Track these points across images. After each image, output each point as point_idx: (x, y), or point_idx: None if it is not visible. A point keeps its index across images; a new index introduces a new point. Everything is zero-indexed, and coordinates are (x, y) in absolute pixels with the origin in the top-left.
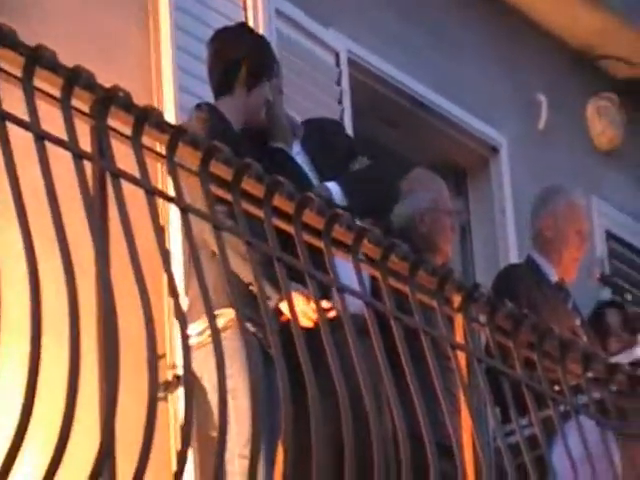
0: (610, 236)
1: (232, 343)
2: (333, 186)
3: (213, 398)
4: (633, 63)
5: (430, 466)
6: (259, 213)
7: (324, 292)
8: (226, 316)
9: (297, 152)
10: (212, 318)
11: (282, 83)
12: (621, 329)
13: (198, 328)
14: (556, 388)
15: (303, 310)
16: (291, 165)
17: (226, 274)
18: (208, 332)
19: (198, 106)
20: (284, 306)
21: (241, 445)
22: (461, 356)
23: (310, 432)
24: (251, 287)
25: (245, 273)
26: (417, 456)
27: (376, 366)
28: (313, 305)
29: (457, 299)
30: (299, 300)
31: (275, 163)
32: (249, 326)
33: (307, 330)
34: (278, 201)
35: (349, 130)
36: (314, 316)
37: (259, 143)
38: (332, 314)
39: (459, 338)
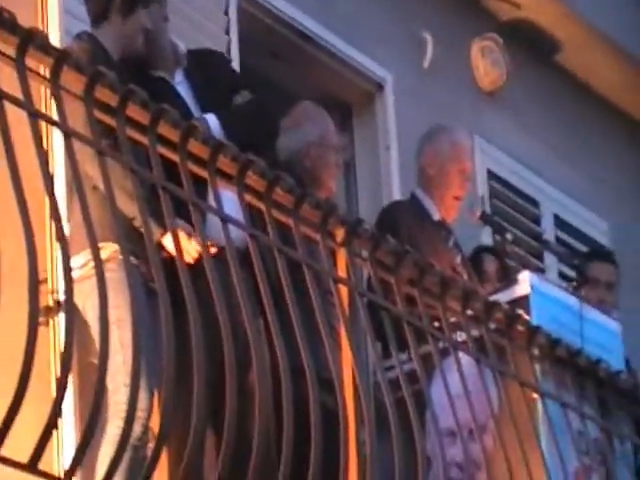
0: (492, 176)
1: (115, 274)
2: (212, 119)
3: (95, 327)
4: (517, 5)
5: (310, 398)
6: (144, 140)
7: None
8: (109, 248)
9: (179, 81)
10: (96, 249)
11: (167, 10)
12: (496, 277)
13: (81, 260)
14: (436, 324)
15: (185, 247)
16: (172, 94)
17: (110, 206)
18: (91, 264)
19: (78, 36)
20: (167, 240)
21: (127, 374)
22: (343, 290)
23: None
24: (134, 221)
25: (128, 208)
26: (298, 388)
27: (259, 299)
28: (194, 243)
29: (340, 233)
30: (181, 237)
31: (156, 92)
32: (132, 259)
33: (190, 264)
34: (163, 129)
35: (235, 61)
36: (195, 254)
37: (139, 72)
38: (213, 250)
39: (341, 272)
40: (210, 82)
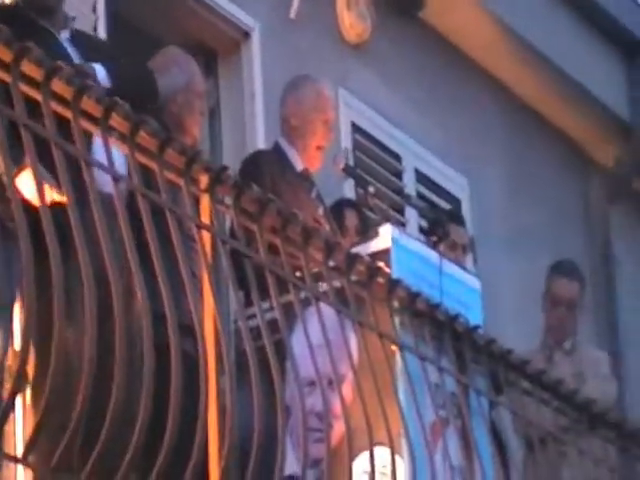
0: (355, 128)
1: None
2: (99, 68)
3: None
4: None
5: (171, 346)
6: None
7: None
8: None
9: (66, 39)
10: None
11: None
12: (356, 232)
13: None
14: (298, 274)
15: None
16: (57, 46)
17: None
18: None
19: None
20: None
21: None
22: (206, 237)
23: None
24: None
25: None
26: (159, 335)
27: (122, 245)
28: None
29: (204, 180)
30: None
31: (42, 42)
32: None
33: (54, 207)
34: (27, 67)
35: (100, 5)
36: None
37: (30, 21)
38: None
39: (205, 219)
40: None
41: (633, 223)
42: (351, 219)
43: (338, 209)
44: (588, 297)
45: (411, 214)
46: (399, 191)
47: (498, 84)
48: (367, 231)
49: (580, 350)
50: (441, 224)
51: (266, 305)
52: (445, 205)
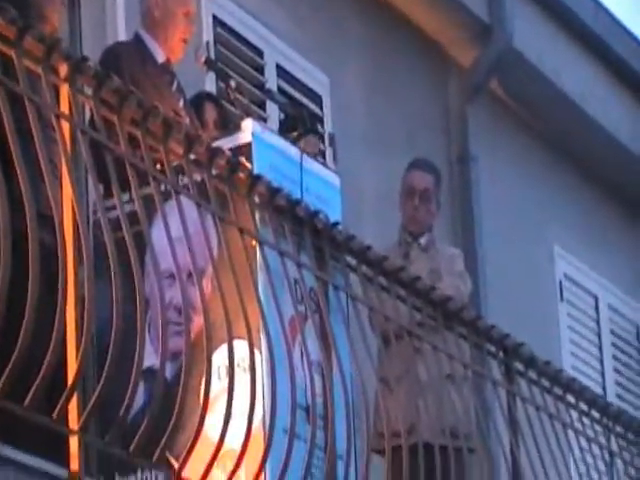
0: (217, 22)
1: None
2: None
3: None
4: None
5: (29, 235)
6: None
7: None
8: None
9: None
10: None
11: None
12: (215, 126)
13: None
14: (158, 167)
15: None
16: None
17: None
18: None
19: None
20: None
21: None
22: (65, 127)
23: None
24: None
25: None
26: (17, 223)
27: None
28: None
29: (64, 69)
30: None
31: None
32: None
33: None
34: None
35: None
36: None
37: None
38: None
39: (64, 108)
40: None
41: (490, 123)
42: (210, 113)
43: (197, 102)
44: (445, 196)
45: (272, 109)
46: (260, 86)
47: None
48: (226, 126)
49: (436, 247)
50: (303, 120)
51: (126, 197)
52: (306, 102)
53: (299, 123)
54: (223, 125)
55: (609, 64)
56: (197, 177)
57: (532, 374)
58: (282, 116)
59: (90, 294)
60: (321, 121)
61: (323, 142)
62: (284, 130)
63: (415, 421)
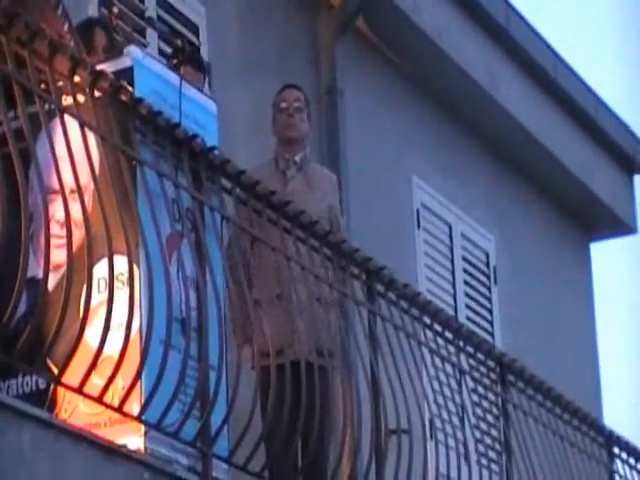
0: None
1: None
2: None
3: None
4: None
5: None
6: None
7: None
8: None
9: None
10: None
11: None
12: (104, 51)
13: None
14: (43, 87)
15: None
16: None
17: None
18: None
19: None
20: None
21: None
22: None
23: None
24: None
25: None
26: None
27: None
28: None
29: None
30: None
31: None
32: None
33: None
34: None
35: None
36: None
37: None
38: None
39: None
40: None
41: (357, 59)
42: (100, 38)
43: (87, 28)
44: (313, 127)
45: (152, 37)
46: (141, 14)
47: None
48: (114, 51)
49: (310, 165)
50: (182, 49)
51: (12, 114)
52: (184, 31)
53: (179, 52)
54: (111, 50)
55: (465, 7)
56: (81, 98)
57: (392, 296)
58: (161, 44)
59: None
60: (198, 50)
61: (202, 71)
62: (166, 57)
63: (288, 341)
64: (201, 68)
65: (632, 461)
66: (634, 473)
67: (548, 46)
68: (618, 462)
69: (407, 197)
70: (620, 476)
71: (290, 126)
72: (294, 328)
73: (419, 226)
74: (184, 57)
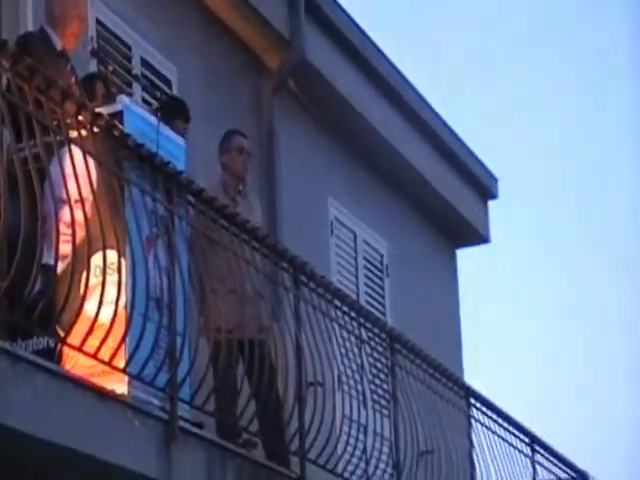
0: (99, 23)
1: None
2: None
3: None
4: None
5: None
6: None
7: None
8: None
9: None
10: None
11: None
12: (103, 98)
13: None
14: (56, 123)
15: None
16: None
17: None
18: None
19: None
20: None
21: None
22: None
23: None
24: None
25: None
26: None
27: None
28: None
29: None
30: None
31: None
32: None
33: None
34: None
35: None
36: None
37: None
38: None
39: None
40: None
41: (289, 110)
42: (100, 89)
43: (91, 80)
44: (256, 159)
45: (137, 89)
46: (129, 72)
47: None
48: (110, 98)
49: (249, 195)
50: (161, 99)
51: (32, 143)
52: (161, 84)
53: (169, 107)
54: (108, 98)
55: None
56: (84, 132)
57: (312, 285)
58: (144, 94)
59: (4, 208)
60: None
61: (188, 122)
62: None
63: (237, 322)
64: (188, 120)
65: (484, 409)
66: (485, 418)
67: (432, 110)
68: (474, 409)
69: (324, 212)
70: (475, 419)
71: (246, 168)
72: (243, 314)
73: (332, 234)
74: (176, 113)
